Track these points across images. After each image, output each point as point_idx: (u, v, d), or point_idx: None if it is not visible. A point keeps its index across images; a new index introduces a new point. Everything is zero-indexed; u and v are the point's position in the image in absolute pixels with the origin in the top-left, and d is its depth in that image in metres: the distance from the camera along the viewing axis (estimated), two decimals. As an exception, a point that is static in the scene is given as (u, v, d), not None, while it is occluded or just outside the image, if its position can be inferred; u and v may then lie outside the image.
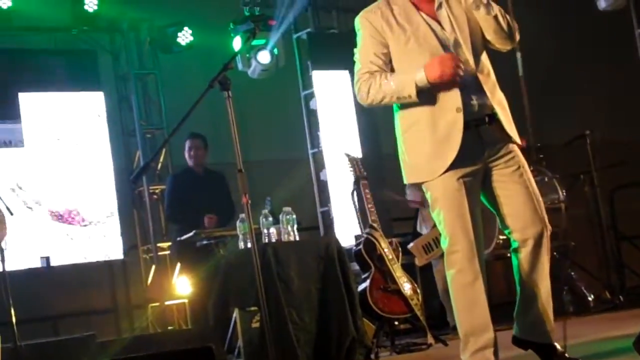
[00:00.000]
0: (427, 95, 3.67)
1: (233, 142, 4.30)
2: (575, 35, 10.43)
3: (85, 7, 8.26)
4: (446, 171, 3.67)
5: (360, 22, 3.81)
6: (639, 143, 10.14)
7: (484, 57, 3.76)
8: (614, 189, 9.08)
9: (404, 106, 3.76)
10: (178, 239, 7.34)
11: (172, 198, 7.69)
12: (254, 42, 8.60)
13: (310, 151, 9.22)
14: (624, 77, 10.13)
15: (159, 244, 8.59)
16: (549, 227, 3.75)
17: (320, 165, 9.15)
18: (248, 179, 4.33)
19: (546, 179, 7.54)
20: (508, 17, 3.69)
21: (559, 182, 7.68)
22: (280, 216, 5.97)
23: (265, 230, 5.91)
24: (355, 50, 3.84)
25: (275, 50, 8.83)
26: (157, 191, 8.71)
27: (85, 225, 8.24)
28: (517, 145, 3.79)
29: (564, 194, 7.68)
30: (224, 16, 8.89)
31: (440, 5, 3.73)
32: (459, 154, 3.65)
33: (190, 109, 4.26)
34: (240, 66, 8.70)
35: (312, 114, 9.23)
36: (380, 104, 3.73)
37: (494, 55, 3.85)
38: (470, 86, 3.68)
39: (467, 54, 3.70)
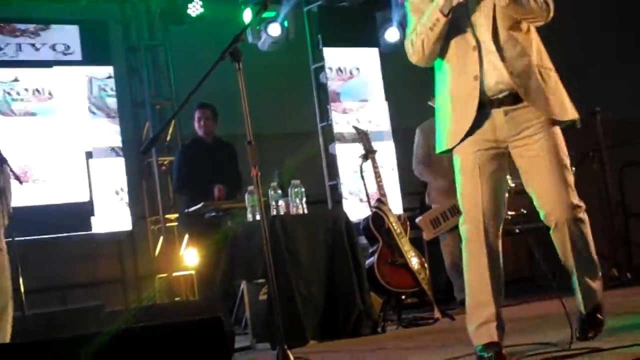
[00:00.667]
0: (452, 59, 3.71)
1: (243, 113, 4.28)
2: (591, 14, 10.36)
3: (96, -23, 8.27)
4: (464, 142, 3.69)
5: (407, 4, 3.85)
6: (649, 121, 10.09)
7: (515, 33, 3.71)
8: (623, 166, 9.05)
9: (438, 67, 3.79)
10: (186, 210, 7.31)
11: (181, 168, 7.63)
12: (265, 15, 8.58)
13: (319, 125, 9.21)
14: (637, 56, 10.08)
15: (167, 216, 8.62)
16: (579, 209, 3.83)
17: (329, 139, 9.14)
18: (257, 152, 4.31)
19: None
20: None
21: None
22: (289, 189, 5.96)
23: (274, 203, 5.90)
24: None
25: (286, 23, 8.80)
26: (165, 162, 8.71)
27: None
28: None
29: (573, 170, 7.64)
30: (235, -12, 8.85)
31: None
32: (478, 129, 3.68)
33: (200, 80, 4.23)
34: (250, 38, 8.68)
35: (322, 88, 9.21)
36: (424, 48, 3.72)
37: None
38: (491, 62, 3.67)
39: (487, 32, 3.67)
